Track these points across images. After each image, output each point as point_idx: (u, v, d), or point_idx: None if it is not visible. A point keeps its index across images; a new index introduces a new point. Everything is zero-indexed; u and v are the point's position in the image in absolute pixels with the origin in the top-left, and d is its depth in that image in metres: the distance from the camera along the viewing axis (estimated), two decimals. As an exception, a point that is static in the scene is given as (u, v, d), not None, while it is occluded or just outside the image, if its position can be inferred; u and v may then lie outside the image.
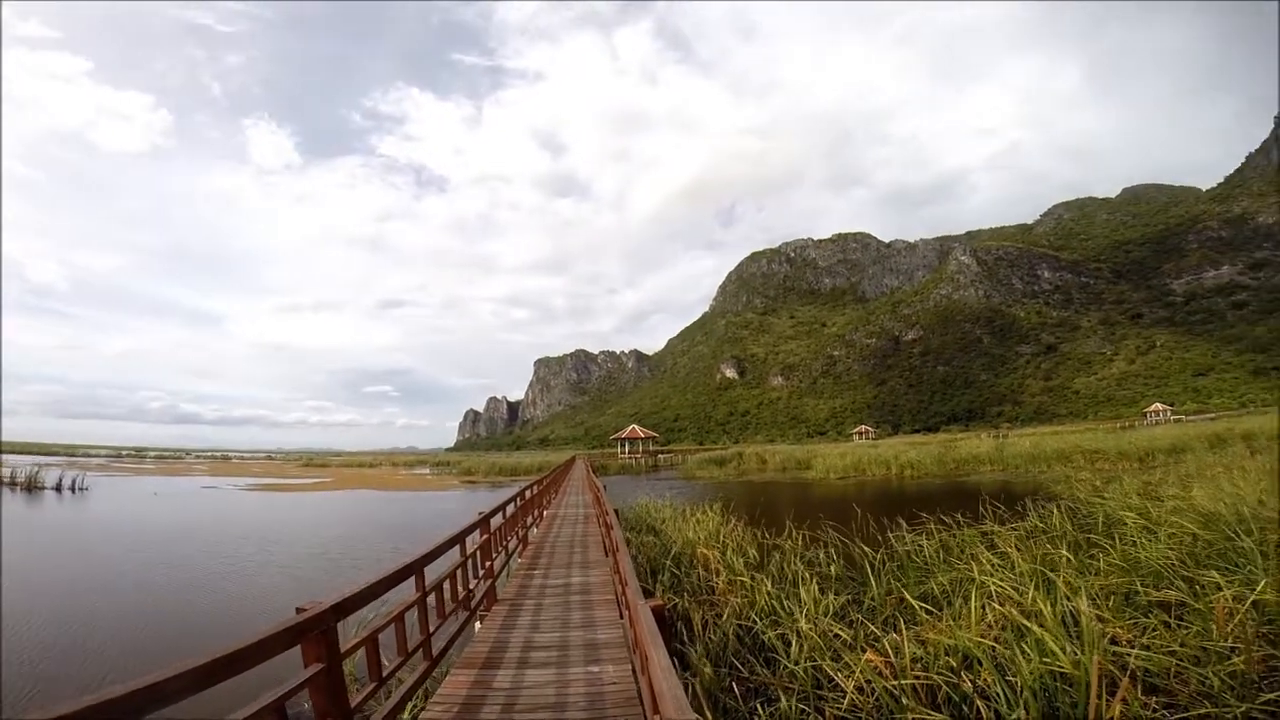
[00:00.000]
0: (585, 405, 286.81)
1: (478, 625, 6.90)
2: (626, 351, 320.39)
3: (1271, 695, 4.46)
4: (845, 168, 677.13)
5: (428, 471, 73.63)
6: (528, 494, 13.84)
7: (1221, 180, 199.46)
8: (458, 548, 6.61)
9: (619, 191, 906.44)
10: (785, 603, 7.73)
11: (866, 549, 9.87)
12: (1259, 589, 5.41)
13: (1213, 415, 67.21)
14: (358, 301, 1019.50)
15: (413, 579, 5.00)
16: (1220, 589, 5.75)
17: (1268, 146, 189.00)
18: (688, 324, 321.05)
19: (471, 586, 6.76)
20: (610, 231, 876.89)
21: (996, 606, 6.06)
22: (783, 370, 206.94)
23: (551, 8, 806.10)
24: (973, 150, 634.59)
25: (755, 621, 7.41)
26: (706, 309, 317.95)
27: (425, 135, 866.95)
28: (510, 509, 11.04)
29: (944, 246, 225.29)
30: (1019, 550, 8.34)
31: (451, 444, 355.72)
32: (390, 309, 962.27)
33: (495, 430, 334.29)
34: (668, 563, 10.55)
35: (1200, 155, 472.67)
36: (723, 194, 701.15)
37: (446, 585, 5.88)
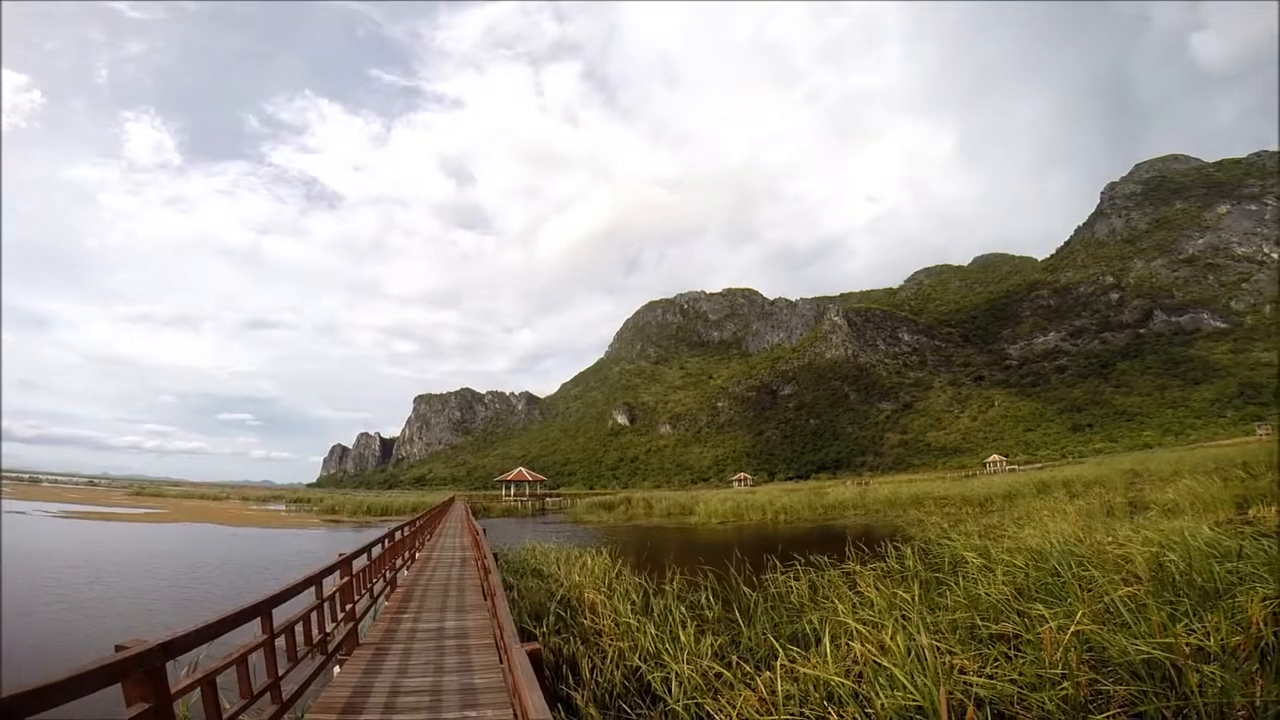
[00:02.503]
0: (469, 446, 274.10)
1: (337, 670, 6.32)
2: (517, 393, 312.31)
3: (1099, 717, 4.91)
4: (743, 225, 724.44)
5: (283, 508, 68.12)
6: (398, 535, 13.13)
7: (1054, 252, 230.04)
8: (313, 589, 6.07)
9: (526, 229, 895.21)
10: (668, 644, 7.74)
11: (744, 591, 10.12)
12: (1077, 619, 5.93)
13: (1039, 465, 77.37)
14: (221, 318, 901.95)
15: (258, 620, 4.52)
16: (1046, 620, 6.24)
17: (1092, 220, 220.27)
18: (583, 369, 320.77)
19: (329, 629, 6.10)
20: (511, 269, 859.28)
21: (856, 645, 6.33)
22: (671, 419, 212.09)
23: (490, 41, 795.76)
24: (856, 214, 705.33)
25: (640, 664, 7.32)
26: (603, 354, 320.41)
27: (325, 148, 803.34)
28: (377, 550, 10.32)
29: (820, 306, 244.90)
30: (878, 589, 8.85)
31: (314, 480, 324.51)
32: (257, 329, 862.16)
33: (365, 467, 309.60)
34: (553, 606, 10.25)
35: (1043, 226, 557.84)
36: (630, 242, 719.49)
37: (299, 628, 5.30)
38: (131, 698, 3.11)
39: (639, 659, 7.51)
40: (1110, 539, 9.88)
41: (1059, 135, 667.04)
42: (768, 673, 6.10)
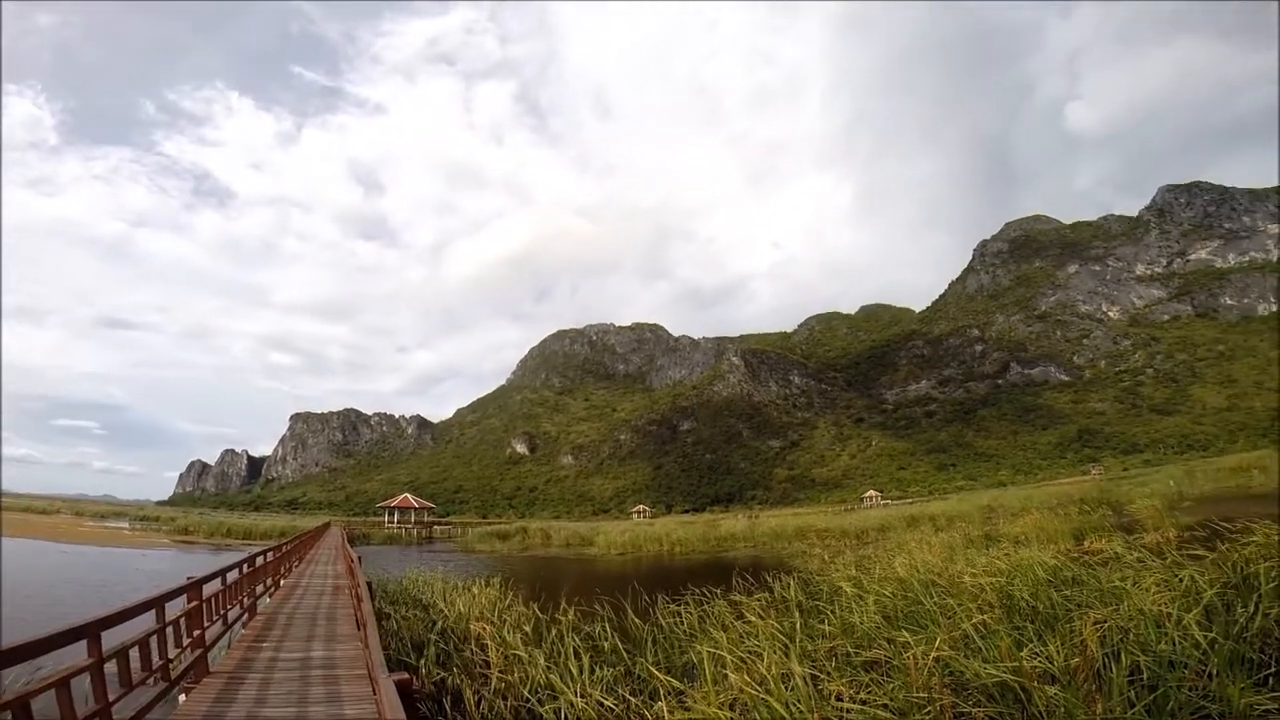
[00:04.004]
0: (350, 469, 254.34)
1: (183, 698, 5.71)
2: (408, 416, 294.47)
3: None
4: (658, 261, 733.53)
5: (126, 526, 61.99)
6: (261, 560, 12.16)
7: (930, 304, 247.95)
8: (153, 613, 5.46)
9: (434, 246, 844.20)
10: (560, 676, 7.54)
11: (638, 622, 10.05)
12: (937, 645, 6.29)
13: (910, 500, 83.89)
14: (71, 313, 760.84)
15: (84, 644, 3.99)
16: (910, 647, 6.50)
17: (964, 275, 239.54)
18: (482, 394, 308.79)
19: (172, 656, 5.43)
20: (414, 286, 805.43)
21: (739, 675, 6.38)
22: (573, 450, 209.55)
23: (431, 55, 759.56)
24: (760, 259, 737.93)
25: (529, 696, 7.06)
26: (504, 381, 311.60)
27: (225, 142, 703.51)
28: (234, 575, 9.54)
29: (721, 346, 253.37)
30: (762, 619, 8.98)
31: (166, 497, 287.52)
32: (114, 329, 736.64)
33: (228, 487, 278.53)
34: (433, 638, 9.67)
35: (923, 279, 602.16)
36: (545, 269, 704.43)
37: (135, 653, 4.67)
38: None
39: (529, 691, 7.25)
40: (969, 568, 10.72)
41: (944, 194, 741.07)
42: (659, 704, 6.06)
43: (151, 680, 5.04)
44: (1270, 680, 5.30)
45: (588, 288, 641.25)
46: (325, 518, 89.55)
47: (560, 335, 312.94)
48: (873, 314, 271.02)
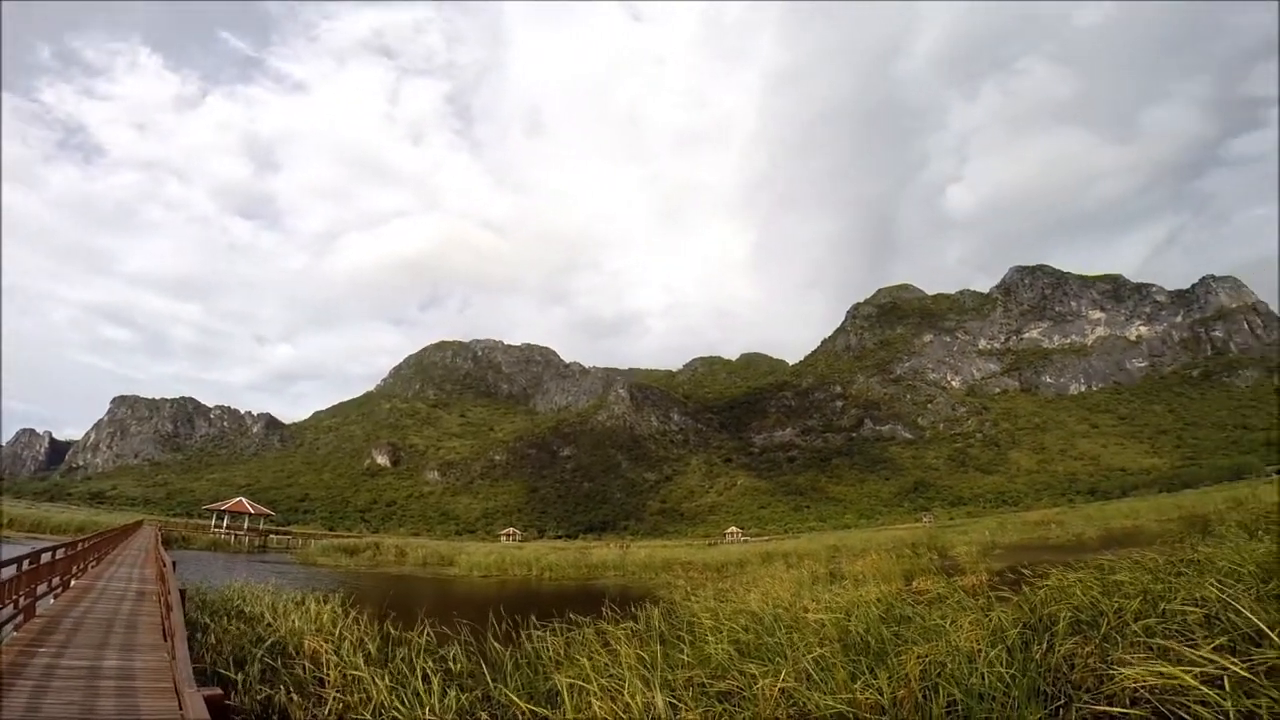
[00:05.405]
0: (177, 464, 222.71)
1: None
2: (255, 413, 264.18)
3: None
4: (559, 286, 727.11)
5: None
6: (48, 556, 10.76)
7: (802, 358, 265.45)
8: None
9: (324, 235, 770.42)
10: (406, 699, 7.12)
11: (499, 647, 9.69)
12: (782, 677, 6.60)
13: (767, 538, 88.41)
14: None
15: None
16: (759, 678, 6.78)
17: (835, 335, 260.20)
18: (346, 399, 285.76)
19: None
20: (290, 274, 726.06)
21: (596, 704, 6.40)
22: (441, 466, 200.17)
23: (373, 46, 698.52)
24: (657, 298, 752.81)
25: (369, 718, 6.57)
26: (373, 388, 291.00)
27: (115, 97, 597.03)
28: (10, 571, 8.23)
29: (610, 377, 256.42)
30: (626, 647, 8.98)
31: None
32: None
33: (20, 471, 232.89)
34: (259, 653, 8.69)
35: (801, 334, 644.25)
36: (440, 277, 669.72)
37: None
38: None
39: (370, 713, 6.79)
40: (813, 604, 11.37)
41: (830, 254, 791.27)
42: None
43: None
44: (1060, 711, 6.06)
45: (481, 302, 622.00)
46: (138, 516, 78.50)
47: (443, 346, 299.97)
48: (752, 362, 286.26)
